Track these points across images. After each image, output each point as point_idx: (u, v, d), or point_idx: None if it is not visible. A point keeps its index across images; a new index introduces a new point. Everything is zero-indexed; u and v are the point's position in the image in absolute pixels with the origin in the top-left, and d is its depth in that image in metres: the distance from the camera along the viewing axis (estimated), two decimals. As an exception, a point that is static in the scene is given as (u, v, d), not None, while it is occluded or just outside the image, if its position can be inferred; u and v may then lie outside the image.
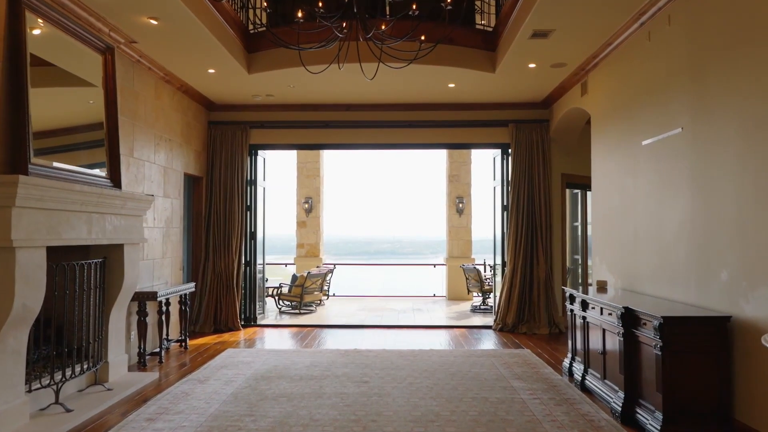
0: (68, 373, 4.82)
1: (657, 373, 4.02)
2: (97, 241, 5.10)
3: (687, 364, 3.97)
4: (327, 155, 15.20)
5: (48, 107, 5.24)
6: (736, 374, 4.00)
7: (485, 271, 12.75)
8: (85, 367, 5.10)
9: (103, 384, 5.30)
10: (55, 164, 4.77)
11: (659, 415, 3.99)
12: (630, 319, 4.46)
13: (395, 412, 4.68)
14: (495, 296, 9.47)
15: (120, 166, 5.72)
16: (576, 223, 9.65)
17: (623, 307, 4.48)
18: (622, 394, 4.52)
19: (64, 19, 5.00)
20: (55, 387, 4.63)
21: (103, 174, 5.54)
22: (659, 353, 3.99)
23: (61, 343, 4.85)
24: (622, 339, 4.52)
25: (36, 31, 4.92)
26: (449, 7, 4.32)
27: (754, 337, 3.79)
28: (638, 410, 4.35)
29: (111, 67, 5.71)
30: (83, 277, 5.04)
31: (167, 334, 7.05)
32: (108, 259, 5.52)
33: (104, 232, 5.21)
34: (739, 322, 3.94)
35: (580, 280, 9.68)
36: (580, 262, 9.65)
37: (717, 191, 4.24)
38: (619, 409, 4.46)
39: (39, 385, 4.50)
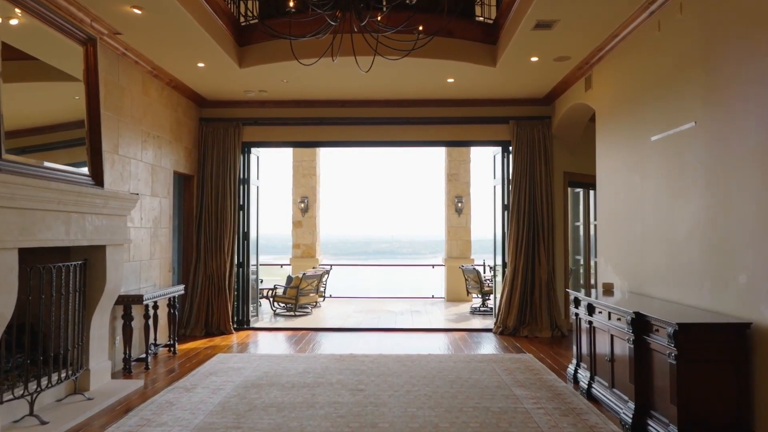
0: (44, 382, 4.54)
1: (671, 384, 3.76)
2: (76, 242, 4.83)
3: (703, 373, 3.71)
4: (323, 153, 14.92)
5: (29, 103, 4.97)
6: (757, 385, 3.72)
7: (485, 272, 12.48)
8: (64, 375, 4.82)
9: (84, 393, 5.01)
10: (30, 161, 4.50)
11: (674, 429, 3.73)
12: (641, 324, 4.19)
13: (391, 423, 4.41)
14: (495, 298, 9.21)
15: (102, 163, 5.44)
16: (577, 223, 9.39)
17: (634, 312, 4.21)
18: (632, 405, 4.25)
19: (41, 7, 4.73)
20: (29, 398, 4.34)
21: (85, 172, 5.27)
22: (674, 362, 3.73)
23: (37, 351, 4.57)
24: (632, 346, 4.26)
25: (13, 21, 4.66)
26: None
27: (776, 346, 3.53)
28: (650, 422, 4.08)
29: (93, 60, 5.43)
30: (61, 280, 4.76)
31: (155, 339, 6.78)
32: (89, 261, 5.23)
33: (84, 232, 4.93)
34: (760, 329, 3.66)
35: (581, 282, 9.42)
36: (582, 263, 9.39)
37: (734, 188, 3.97)
38: (630, 420, 4.20)
39: (12, 396, 4.22)
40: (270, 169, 11.22)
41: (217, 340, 7.99)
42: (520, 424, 4.37)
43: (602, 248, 6.64)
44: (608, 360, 4.74)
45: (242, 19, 7.02)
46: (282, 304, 10.75)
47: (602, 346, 4.95)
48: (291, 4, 4.54)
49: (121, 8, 5.25)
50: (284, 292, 10.65)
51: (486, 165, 10.14)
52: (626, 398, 4.39)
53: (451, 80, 7.66)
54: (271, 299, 10.80)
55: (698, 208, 4.41)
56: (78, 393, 5.01)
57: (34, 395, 4.38)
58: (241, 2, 7.02)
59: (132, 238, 6.46)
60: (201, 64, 6.96)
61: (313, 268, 12.58)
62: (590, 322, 5.22)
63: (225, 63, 6.86)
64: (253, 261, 9.23)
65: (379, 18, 4.83)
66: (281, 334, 8.58)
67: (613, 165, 6.29)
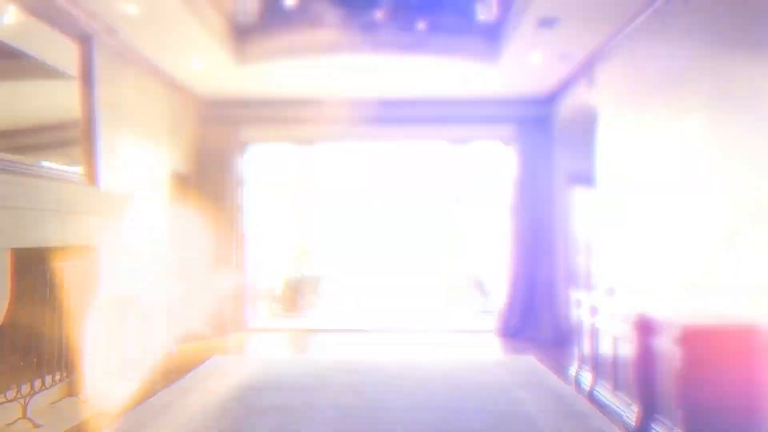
0: (38, 385, 4.46)
1: (677, 387, 3.69)
2: (70, 242, 4.75)
3: (710, 377, 3.63)
4: (322, 153, 14.81)
5: (24, 101, 4.90)
6: (764, 388, 3.65)
7: (485, 273, 12.39)
8: (58, 378, 4.74)
9: (78, 396, 4.94)
10: (23, 160, 4.43)
11: (679, 433, 3.66)
12: (645, 326, 4.12)
13: (392, 426, 4.34)
14: (496, 299, 9.13)
15: (97, 163, 5.37)
16: (578, 223, 9.30)
17: (637, 314, 4.14)
18: (636, 408, 4.18)
19: (36, 3, 4.65)
20: (22, 400, 4.27)
21: (79, 171, 5.19)
22: (679, 365, 3.65)
23: (31, 353, 4.49)
24: (636, 348, 4.18)
25: (7, 18, 4.59)
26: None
27: (784, 348, 3.45)
28: (654, 426, 4.01)
29: (89, 57, 5.36)
30: (55, 281, 4.68)
31: (152, 341, 6.69)
32: (84, 262, 5.15)
33: (79, 232, 4.85)
34: (768, 331, 3.59)
35: (583, 282, 9.33)
36: (583, 263, 9.30)
37: (740, 187, 3.90)
38: (633, 424, 4.13)
39: (4, 399, 4.15)
40: (269, 169, 11.17)
41: (215, 342, 7.91)
42: (522, 428, 4.30)
43: (605, 248, 6.56)
44: (611, 362, 4.66)
45: (241, 16, 6.94)
46: (280, 305, 10.67)
47: (605, 348, 4.87)
48: (291, 1, 4.48)
49: (117, 5, 5.17)
50: (283, 293, 10.57)
51: (486, 165, 10.07)
52: (629, 401, 4.32)
53: (452, 79, 7.57)
54: (270, 300, 10.72)
55: (704, 208, 4.34)
56: (72, 396, 4.93)
57: (28, 398, 4.31)
58: None
59: (128, 238, 6.38)
60: (199, 63, 6.88)
61: (312, 268, 12.49)
62: (593, 324, 5.15)
63: (223, 61, 6.78)
64: (251, 261, 9.14)
65: (379, 16, 4.77)
66: (280, 336, 8.50)
67: (615, 164, 6.22)
